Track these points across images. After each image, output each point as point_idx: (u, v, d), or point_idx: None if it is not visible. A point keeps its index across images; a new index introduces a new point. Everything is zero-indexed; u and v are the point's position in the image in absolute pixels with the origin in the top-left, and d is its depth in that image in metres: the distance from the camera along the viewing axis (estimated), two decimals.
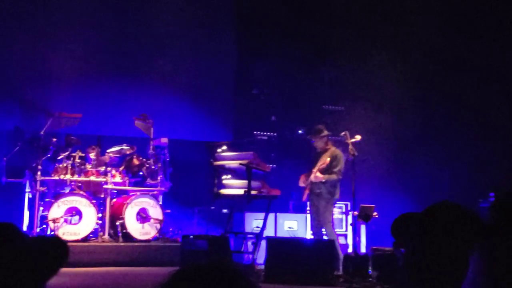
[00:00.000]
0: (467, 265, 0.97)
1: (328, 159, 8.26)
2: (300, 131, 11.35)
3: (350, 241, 9.83)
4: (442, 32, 10.80)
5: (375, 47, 11.07)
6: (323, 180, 8.24)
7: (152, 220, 9.05)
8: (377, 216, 7.88)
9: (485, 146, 10.52)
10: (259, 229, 8.43)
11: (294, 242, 7.88)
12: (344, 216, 10.13)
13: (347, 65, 11.30)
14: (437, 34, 10.81)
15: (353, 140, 8.31)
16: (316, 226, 8.41)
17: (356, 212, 8.17)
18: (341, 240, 9.84)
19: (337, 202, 9.87)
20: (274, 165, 10.74)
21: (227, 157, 8.94)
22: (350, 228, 9.75)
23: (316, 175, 8.23)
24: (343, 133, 8.44)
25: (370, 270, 7.36)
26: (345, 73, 11.39)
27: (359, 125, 10.06)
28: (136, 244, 8.83)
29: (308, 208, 8.78)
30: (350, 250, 9.33)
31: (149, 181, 9.41)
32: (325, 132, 8.50)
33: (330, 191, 8.31)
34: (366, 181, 9.83)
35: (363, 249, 9.36)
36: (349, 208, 9.84)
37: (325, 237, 8.28)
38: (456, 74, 10.96)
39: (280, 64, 11.44)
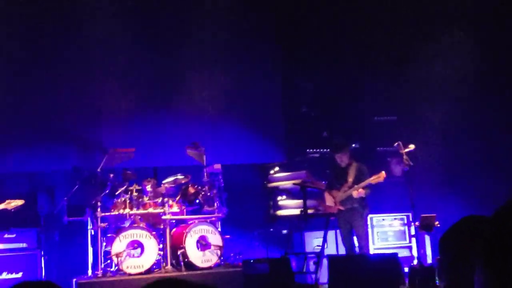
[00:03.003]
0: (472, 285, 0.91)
1: (372, 177, 8.24)
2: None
3: (415, 252, 9.58)
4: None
5: (423, 54, 10.84)
6: (364, 196, 8.29)
7: (212, 247, 9.05)
8: (439, 226, 7.67)
9: None
10: (320, 247, 8.34)
11: (356, 259, 7.75)
12: (406, 228, 9.90)
13: (395, 74, 11.09)
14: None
15: (407, 150, 8.18)
16: (349, 241, 8.53)
17: (417, 223, 7.99)
18: (406, 253, 9.62)
19: (399, 214, 9.81)
20: None
21: (281, 178, 8.92)
22: (414, 240, 9.53)
23: (359, 191, 8.25)
24: (397, 143, 8.31)
25: (437, 281, 7.15)
26: (394, 83, 11.16)
27: (412, 134, 9.84)
28: (199, 272, 8.84)
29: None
30: (415, 262, 9.10)
31: (206, 208, 9.44)
32: (349, 147, 8.66)
33: (362, 205, 8.40)
34: (424, 190, 9.58)
35: (429, 260, 9.11)
36: (410, 220, 9.61)
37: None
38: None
39: (327, 79, 11.36)
